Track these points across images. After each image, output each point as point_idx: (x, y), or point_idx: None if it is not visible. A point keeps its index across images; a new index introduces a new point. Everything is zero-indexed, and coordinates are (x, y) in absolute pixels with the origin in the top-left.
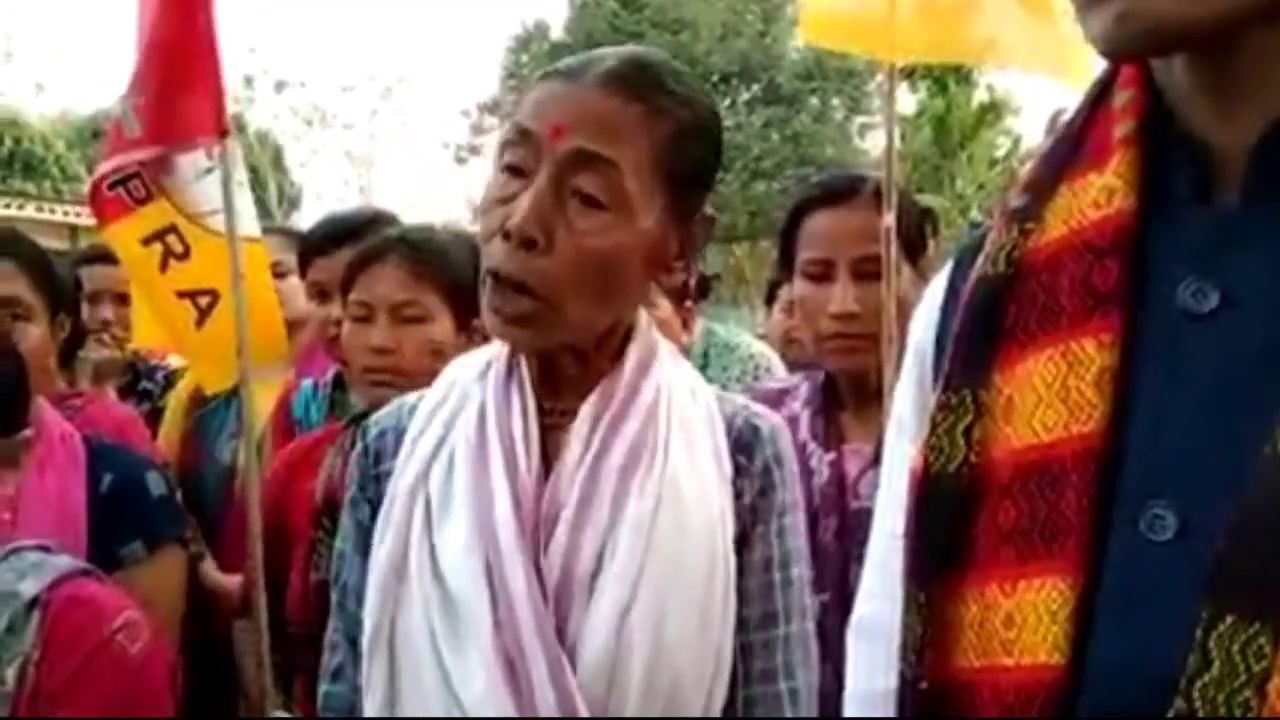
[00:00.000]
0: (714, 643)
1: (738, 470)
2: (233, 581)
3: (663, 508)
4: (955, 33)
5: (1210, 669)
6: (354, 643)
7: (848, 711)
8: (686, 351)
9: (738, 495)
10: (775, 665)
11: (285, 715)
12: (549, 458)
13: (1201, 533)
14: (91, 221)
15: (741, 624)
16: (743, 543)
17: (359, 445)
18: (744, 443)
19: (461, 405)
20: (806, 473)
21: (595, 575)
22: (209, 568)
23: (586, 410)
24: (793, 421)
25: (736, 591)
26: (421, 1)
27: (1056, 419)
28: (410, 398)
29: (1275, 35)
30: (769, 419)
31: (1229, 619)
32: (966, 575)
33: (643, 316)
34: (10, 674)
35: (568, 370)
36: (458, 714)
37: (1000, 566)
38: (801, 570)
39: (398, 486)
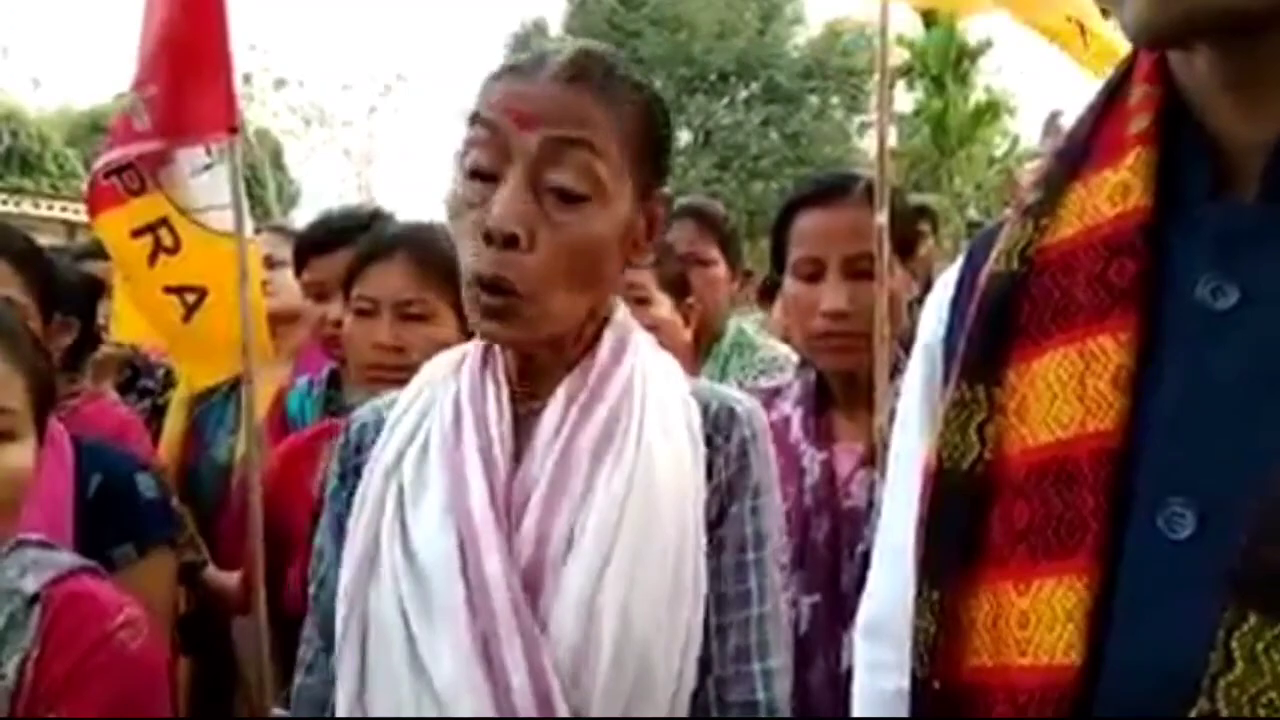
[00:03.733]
0: (683, 622)
1: (714, 448)
2: (230, 579)
3: (634, 489)
4: None
5: (1233, 668)
6: (328, 636)
7: (856, 713)
8: (704, 348)
9: (713, 473)
10: (749, 644)
11: (284, 714)
12: (522, 444)
13: (1220, 530)
14: (87, 219)
15: (717, 604)
16: (719, 521)
17: (341, 438)
18: (720, 423)
19: (436, 396)
20: (798, 472)
21: (566, 555)
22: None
23: (560, 394)
24: (784, 421)
25: (710, 570)
26: (421, 0)
27: (1073, 417)
28: (392, 394)
29: None
30: (745, 402)
31: (1253, 618)
32: (979, 574)
33: (619, 305)
34: (10, 670)
35: (544, 360)
36: (427, 694)
37: (1014, 565)
38: (774, 552)
39: (373, 472)
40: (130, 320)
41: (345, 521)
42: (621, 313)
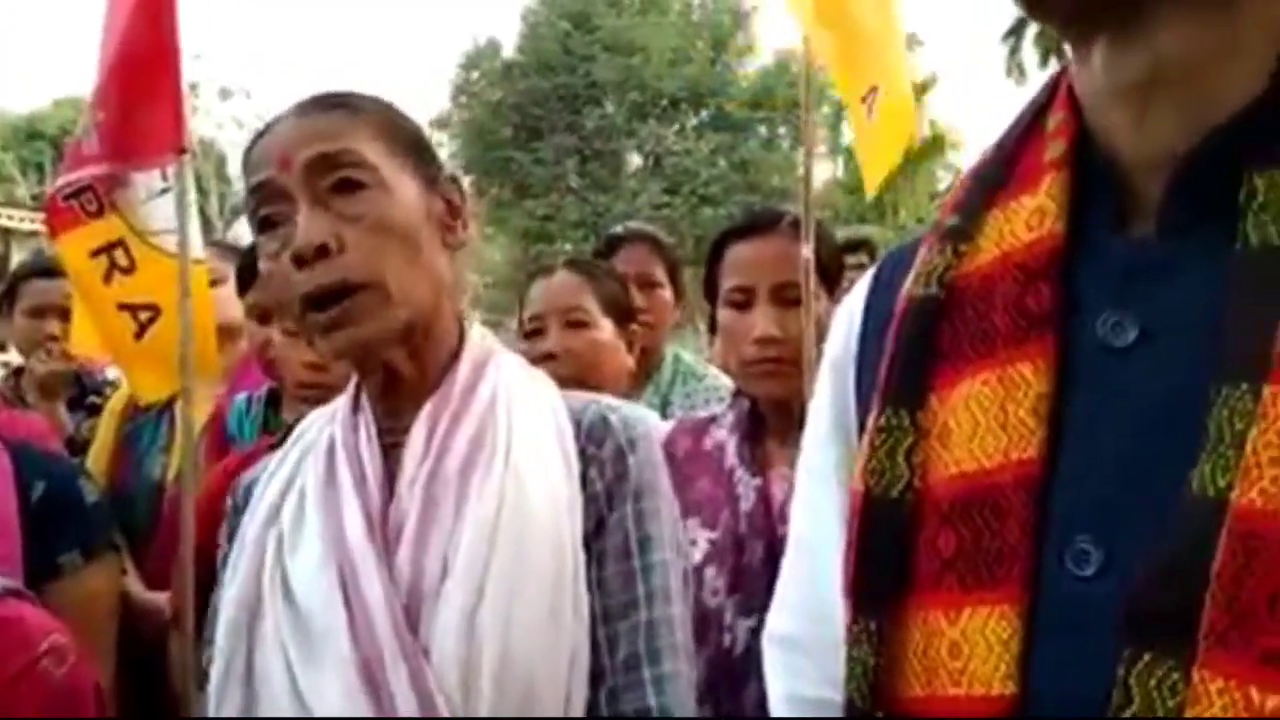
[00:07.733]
0: (567, 638)
1: (587, 458)
2: (159, 599)
3: (505, 507)
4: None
5: (1132, 705)
6: None
7: (774, 713)
8: (648, 375)
9: (587, 483)
10: (638, 652)
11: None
12: (394, 473)
13: (1123, 569)
14: (23, 226)
15: (604, 615)
16: (599, 530)
17: (229, 500)
18: (594, 433)
19: (310, 447)
20: (733, 498)
21: (442, 580)
22: (134, 584)
23: (422, 417)
24: (719, 448)
25: (596, 582)
26: (372, 15)
27: (996, 445)
28: (277, 455)
29: (1193, 23)
30: (622, 410)
31: (1147, 657)
32: (908, 601)
33: (476, 326)
34: None
35: (406, 376)
36: None
37: (943, 593)
38: (665, 555)
39: (247, 530)
40: (85, 334)
41: None
42: (478, 333)
